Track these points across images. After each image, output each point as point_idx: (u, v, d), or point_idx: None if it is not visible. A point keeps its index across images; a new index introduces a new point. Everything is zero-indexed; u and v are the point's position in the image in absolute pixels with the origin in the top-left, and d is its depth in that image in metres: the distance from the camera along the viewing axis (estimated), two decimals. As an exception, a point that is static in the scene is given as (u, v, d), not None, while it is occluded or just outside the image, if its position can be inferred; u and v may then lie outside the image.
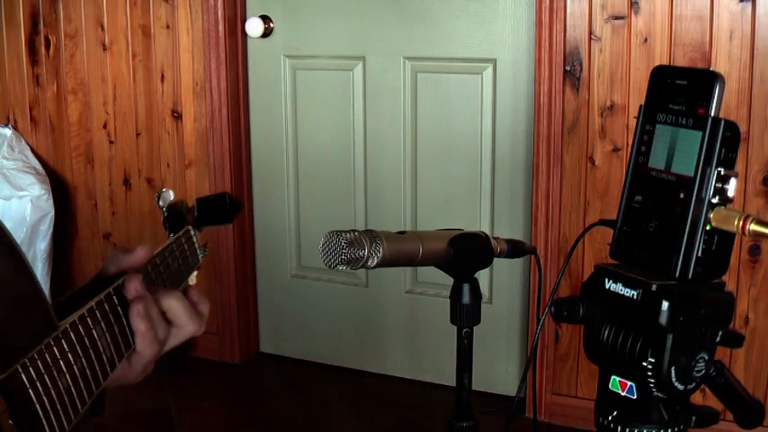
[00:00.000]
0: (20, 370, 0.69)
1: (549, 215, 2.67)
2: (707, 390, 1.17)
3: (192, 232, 1.16)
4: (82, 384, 0.77)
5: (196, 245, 1.16)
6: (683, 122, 1.11)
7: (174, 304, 0.92)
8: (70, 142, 3.39)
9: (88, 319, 0.81)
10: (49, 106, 3.40)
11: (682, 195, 1.10)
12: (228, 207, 1.19)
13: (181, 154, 3.18)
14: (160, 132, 3.22)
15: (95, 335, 0.81)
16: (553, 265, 2.67)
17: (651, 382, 1.10)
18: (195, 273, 1.16)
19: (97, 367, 0.80)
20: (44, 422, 0.71)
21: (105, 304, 0.84)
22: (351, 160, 3.05)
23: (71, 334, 0.78)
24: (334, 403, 2.96)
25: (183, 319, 0.93)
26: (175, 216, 1.14)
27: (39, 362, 0.72)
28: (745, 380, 2.47)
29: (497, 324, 2.90)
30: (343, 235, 1.12)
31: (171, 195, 1.16)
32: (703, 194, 1.09)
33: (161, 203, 1.15)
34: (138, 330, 0.87)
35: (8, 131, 3.40)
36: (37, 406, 0.71)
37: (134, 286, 0.88)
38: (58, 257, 3.39)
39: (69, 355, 0.76)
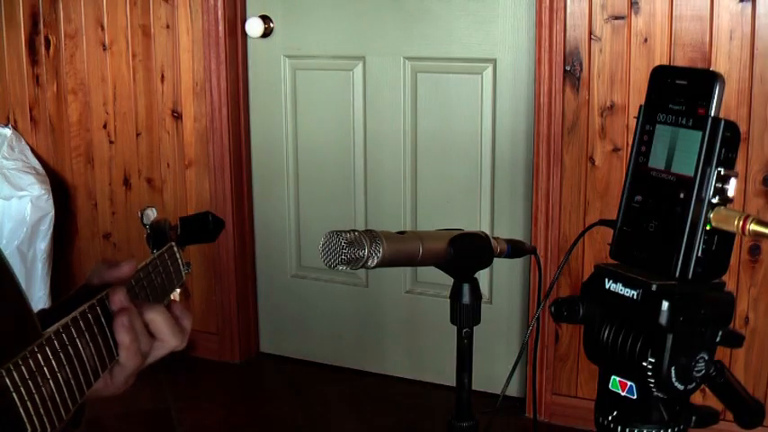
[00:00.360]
0: (3, 374, 0.70)
1: (549, 215, 2.67)
2: (707, 390, 1.17)
3: (176, 249, 1.18)
4: (66, 392, 0.78)
5: (180, 261, 1.18)
6: (683, 122, 1.11)
7: (156, 318, 0.93)
8: (70, 142, 3.39)
9: (72, 328, 0.82)
10: (49, 106, 3.40)
11: (682, 195, 1.10)
12: (211, 226, 1.20)
13: (181, 154, 3.19)
14: (160, 132, 3.22)
15: (79, 345, 0.82)
16: (553, 265, 2.67)
17: (651, 382, 1.10)
18: (178, 290, 1.17)
19: (81, 377, 0.81)
20: (27, 426, 0.72)
21: (89, 315, 0.85)
22: (351, 160, 3.05)
23: (55, 342, 0.78)
24: (334, 403, 2.96)
25: (166, 332, 0.94)
26: (158, 234, 1.16)
27: (23, 367, 0.72)
28: (745, 380, 2.47)
29: (497, 324, 2.90)
30: (343, 235, 1.12)
31: (154, 213, 1.18)
32: (703, 194, 1.09)
33: (144, 221, 1.16)
34: (123, 342, 0.88)
35: (8, 131, 3.40)
36: (21, 410, 0.71)
37: (118, 298, 0.89)
38: (58, 257, 3.39)
39: (53, 362, 0.77)
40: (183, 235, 1.20)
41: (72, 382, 0.79)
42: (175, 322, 0.95)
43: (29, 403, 0.72)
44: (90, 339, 0.84)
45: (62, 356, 0.79)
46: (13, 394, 0.70)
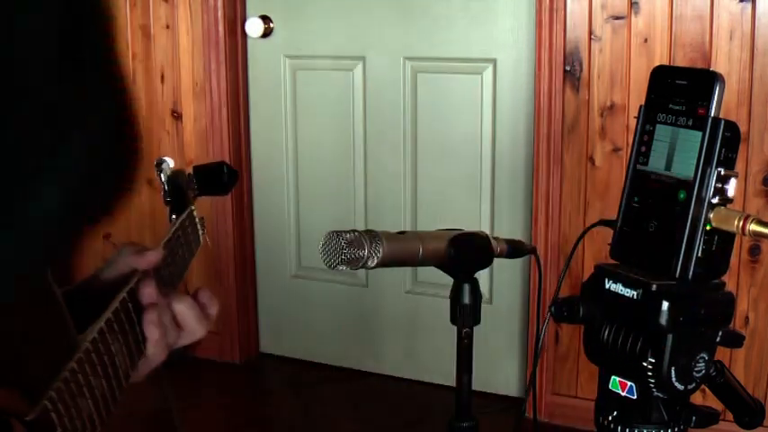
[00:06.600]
0: (49, 407, 0.67)
1: (549, 215, 2.67)
2: (707, 390, 1.18)
3: (195, 213, 1.12)
4: (102, 406, 0.75)
5: (198, 225, 1.13)
6: (683, 123, 1.11)
7: (184, 310, 0.91)
8: (70, 142, 3.38)
9: (107, 334, 0.79)
10: (49, 106, 3.39)
11: (682, 196, 1.10)
12: (226, 177, 1.15)
13: (181, 154, 3.18)
14: (160, 132, 3.22)
15: (114, 350, 0.79)
16: (553, 265, 2.67)
17: (651, 382, 1.10)
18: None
19: (115, 384, 0.79)
20: None
21: (121, 313, 0.83)
22: (351, 160, 3.05)
23: (93, 354, 0.76)
24: (335, 403, 2.96)
25: (193, 324, 0.92)
26: (177, 190, 1.10)
27: (66, 393, 0.69)
28: (745, 380, 2.47)
29: (497, 324, 2.90)
30: (343, 235, 1.12)
31: (171, 165, 1.11)
32: (703, 195, 1.09)
33: (162, 177, 1.10)
34: (152, 338, 0.87)
35: (8, 131, 3.40)
36: None
37: (149, 292, 0.87)
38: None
39: (91, 377, 0.74)
40: (198, 187, 1.14)
41: (107, 392, 0.76)
42: (201, 311, 0.93)
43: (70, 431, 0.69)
44: (123, 341, 0.81)
45: (99, 368, 0.76)
46: (58, 429, 0.67)
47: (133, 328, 0.84)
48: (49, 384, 0.69)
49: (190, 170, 1.14)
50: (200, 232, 1.14)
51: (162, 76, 3.17)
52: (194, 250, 1.12)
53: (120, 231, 3.37)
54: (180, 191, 1.10)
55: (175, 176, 1.10)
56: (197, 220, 1.13)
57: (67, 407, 0.69)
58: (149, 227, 3.28)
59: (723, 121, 1.08)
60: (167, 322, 0.89)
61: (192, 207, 1.11)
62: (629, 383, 1.15)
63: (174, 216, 1.08)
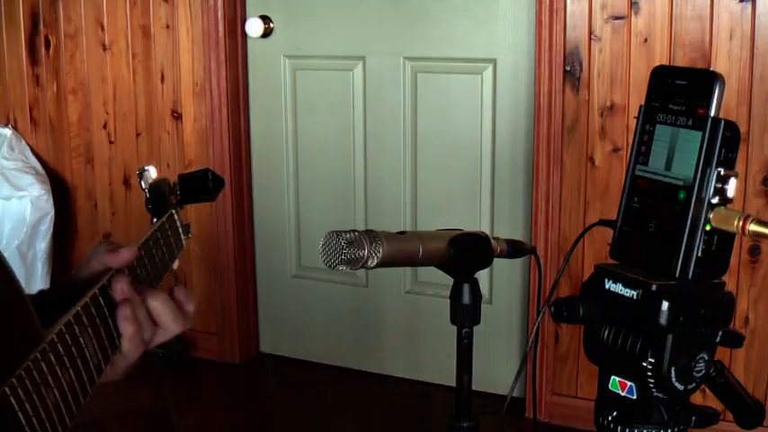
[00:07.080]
0: (8, 392, 0.67)
1: (549, 215, 2.67)
2: (707, 390, 1.18)
3: (176, 216, 1.13)
4: (70, 398, 0.75)
5: (180, 228, 1.13)
6: (683, 123, 1.11)
7: (158, 306, 0.91)
8: (70, 142, 3.39)
9: (75, 326, 0.79)
10: (49, 106, 3.40)
11: (682, 196, 1.10)
12: (211, 184, 1.16)
13: (181, 154, 3.18)
14: (160, 132, 3.22)
15: (83, 342, 0.79)
16: (553, 265, 2.67)
17: (651, 382, 1.10)
18: (177, 261, 1.14)
19: (85, 377, 0.78)
20: None
21: (92, 308, 0.82)
22: (351, 160, 3.05)
23: (58, 345, 0.75)
24: (335, 403, 2.96)
25: (169, 320, 0.92)
26: (158, 196, 1.12)
27: (27, 380, 0.69)
28: (745, 380, 2.47)
29: (497, 324, 2.90)
30: (343, 235, 1.11)
31: (153, 174, 1.12)
32: (703, 195, 1.09)
33: (143, 184, 1.12)
34: (126, 333, 0.86)
35: (8, 131, 3.40)
36: (27, 430, 0.68)
37: (121, 288, 0.87)
38: (58, 257, 3.39)
39: (57, 368, 0.74)
40: (183, 194, 1.15)
41: (76, 384, 0.76)
42: (178, 308, 0.93)
43: (35, 419, 0.69)
44: (93, 334, 0.81)
45: (66, 359, 0.76)
46: (20, 414, 0.67)
47: (105, 322, 0.84)
48: (10, 373, 0.68)
49: (175, 179, 1.15)
50: (183, 237, 1.14)
51: (162, 76, 3.17)
52: (176, 254, 1.12)
53: (120, 231, 3.37)
54: (161, 197, 1.11)
55: (157, 184, 1.12)
56: (179, 224, 1.13)
57: (29, 394, 0.69)
58: (149, 227, 3.27)
59: (723, 121, 1.08)
60: (142, 318, 0.89)
61: (173, 211, 1.12)
62: (629, 383, 1.15)
63: (154, 220, 1.09)
